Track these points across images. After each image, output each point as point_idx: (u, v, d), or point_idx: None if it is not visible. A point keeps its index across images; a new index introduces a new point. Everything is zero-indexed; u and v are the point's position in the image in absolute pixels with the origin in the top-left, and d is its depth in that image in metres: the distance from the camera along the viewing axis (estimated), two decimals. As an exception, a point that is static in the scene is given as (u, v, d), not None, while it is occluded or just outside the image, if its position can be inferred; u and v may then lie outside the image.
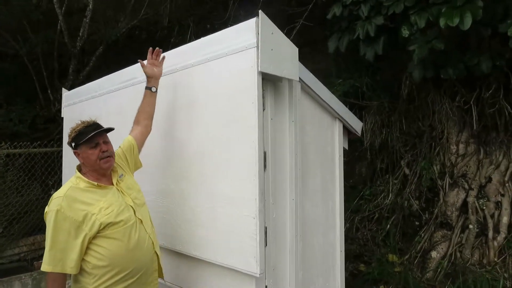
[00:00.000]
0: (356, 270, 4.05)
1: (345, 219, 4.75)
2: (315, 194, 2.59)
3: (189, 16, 7.19)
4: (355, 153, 5.31)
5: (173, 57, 2.50)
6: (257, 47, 1.96)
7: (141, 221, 2.03)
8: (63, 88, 4.14)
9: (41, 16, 5.67)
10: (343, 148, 3.03)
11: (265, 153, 2.13)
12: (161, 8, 7.20)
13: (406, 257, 3.88)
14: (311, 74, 2.51)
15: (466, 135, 3.95)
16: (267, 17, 2.02)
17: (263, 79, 2.11)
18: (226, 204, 2.13)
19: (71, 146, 1.99)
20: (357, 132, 3.01)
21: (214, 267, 2.23)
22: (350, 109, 5.18)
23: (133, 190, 2.14)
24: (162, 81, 2.59)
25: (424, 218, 4.10)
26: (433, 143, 4.25)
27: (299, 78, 2.38)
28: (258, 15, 1.97)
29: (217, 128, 2.19)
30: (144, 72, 2.41)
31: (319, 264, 2.61)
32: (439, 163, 4.15)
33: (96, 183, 1.95)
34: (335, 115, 2.77)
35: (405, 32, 3.38)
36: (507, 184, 3.68)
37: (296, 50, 2.20)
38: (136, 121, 2.39)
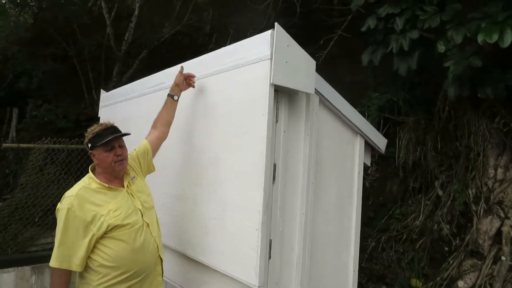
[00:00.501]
0: (377, 292, 3.90)
1: (371, 238, 4.61)
2: (329, 210, 2.53)
3: (230, 23, 7.33)
4: (388, 170, 5.14)
5: (195, 66, 2.55)
6: (271, 59, 1.96)
7: (148, 225, 2.08)
8: (101, 90, 4.35)
9: (90, 20, 6.01)
10: (366, 164, 2.94)
11: (275, 165, 2.12)
12: (204, 15, 7.39)
13: (431, 283, 3.68)
14: (332, 88, 2.48)
15: (506, 159, 3.68)
16: (283, 30, 2.02)
17: (277, 91, 2.11)
18: (234, 213, 2.13)
19: (87, 146, 2.07)
20: (380, 150, 2.91)
21: (218, 275, 2.24)
22: (385, 124, 5.06)
23: (143, 194, 2.19)
24: (184, 88, 2.66)
25: (454, 244, 3.87)
26: (470, 166, 4.02)
27: (318, 91, 2.35)
28: (274, 27, 1.98)
29: (230, 137, 2.21)
30: (176, 77, 2.47)
31: (329, 282, 2.54)
32: (475, 187, 3.91)
33: (107, 185, 2.01)
34: (357, 131, 2.70)
35: (441, 48, 3.24)
36: (548, 216, 3.40)
37: (313, 63, 2.17)
38: (154, 126, 2.46)
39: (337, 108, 2.50)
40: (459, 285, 3.49)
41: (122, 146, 2.11)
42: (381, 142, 2.91)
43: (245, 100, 2.13)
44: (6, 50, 5.82)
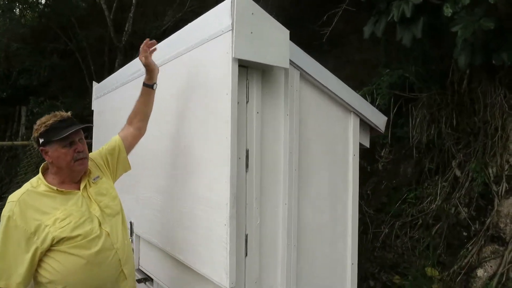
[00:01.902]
0: (389, 282, 3.62)
1: (384, 224, 4.31)
2: (320, 199, 2.28)
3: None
4: (402, 151, 4.79)
5: (163, 48, 2.33)
6: (232, 30, 1.72)
7: (108, 234, 1.77)
8: (93, 82, 4.22)
9: (87, 12, 5.89)
10: (364, 146, 2.66)
11: (247, 151, 1.90)
12: None
13: (448, 272, 3.37)
14: (315, 61, 2.20)
15: (529, 133, 3.30)
16: (247, -5, 1.77)
17: (245, 67, 1.87)
18: (203, 207, 1.93)
19: (37, 142, 1.74)
20: (379, 129, 2.62)
21: (196, 274, 2.05)
22: (396, 102, 4.69)
23: (106, 197, 1.87)
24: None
25: (473, 228, 3.53)
26: (489, 142, 3.64)
27: (298, 66, 2.09)
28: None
29: (199, 122, 2.00)
30: (142, 60, 2.06)
31: (323, 277, 2.30)
32: (495, 165, 3.54)
33: (55, 188, 1.70)
34: (349, 108, 2.41)
35: (448, 11, 2.87)
36: None
37: (286, 33, 1.90)
38: (129, 121, 2.14)
39: (322, 84, 2.22)
40: (478, 273, 3.17)
41: (83, 140, 1.80)
42: (379, 120, 2.61)
43: (211, 79, 1.91)
44: (7, 47, 5.79)
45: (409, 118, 4.54)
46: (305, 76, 2.15)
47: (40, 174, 1.77)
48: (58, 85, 6.22)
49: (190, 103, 2.10)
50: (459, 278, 3.28)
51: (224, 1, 1.79)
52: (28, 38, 6.09)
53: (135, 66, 2.89)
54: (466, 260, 3.35)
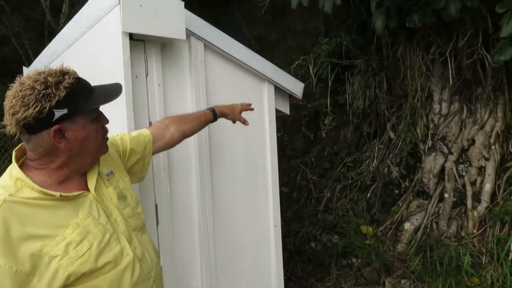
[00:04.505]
0: (329, 242, 3.81)
1: (327, 189, 4.50)
2: (236, 166, 2.36)
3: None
4: (343, 118, 4.95)
5: (72, 28, 2.30)
6: (120, 3, 1.72)
7: (140, 258, 1.19)
8: (23, 67, 4.10)
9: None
10: (284, 113, 2.74)
11: (150, 124, 1.93)
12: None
13: (381, 228, 3.58)
14: (220, 31, 2.23)
15: (449, 91, 3.48)
16: (132, -33, 1.77)
17: (142, 40, 1.89)
18: (113, 181, 1.97)
19: (46, 117, 0.99)
20: (296, 95, 2.70)
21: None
22: (333, 69, 4.81)
23: (127, 202, 1.25)
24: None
25: (403, 186, 3.74)
26: (418, 103, 3.82)
27: (200, 37, 2.12)
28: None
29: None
30: (235, 108, 1.99)
31: (245, 241, 2.41)
32: (423, 125, 3.73)
33: (58, 194, 1.03)
34: (263, 77, 2.47)
35: (362, -23, 2.96)
36: (492, 147, 3.22)
37: (181, 4, 1.92)
38: (168, 123, 1.62)
39: (231, 55, 2.27)
40: (406, 227, 3.39)
41: None
42: (296, 87, 2.69)
43: (108, 56, 1.91)
44: None
45: (346, 84, 4.67)
46: (210, 47, 2.18)
47: (18, 171, 1.03)
48: (-3, 73, 5.99)
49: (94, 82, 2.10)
50: (390, 233, 3.49)
51: (112, -26, 1.78)
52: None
53: (51, 50, 2.84)
54: (396, 216, 3.56)
